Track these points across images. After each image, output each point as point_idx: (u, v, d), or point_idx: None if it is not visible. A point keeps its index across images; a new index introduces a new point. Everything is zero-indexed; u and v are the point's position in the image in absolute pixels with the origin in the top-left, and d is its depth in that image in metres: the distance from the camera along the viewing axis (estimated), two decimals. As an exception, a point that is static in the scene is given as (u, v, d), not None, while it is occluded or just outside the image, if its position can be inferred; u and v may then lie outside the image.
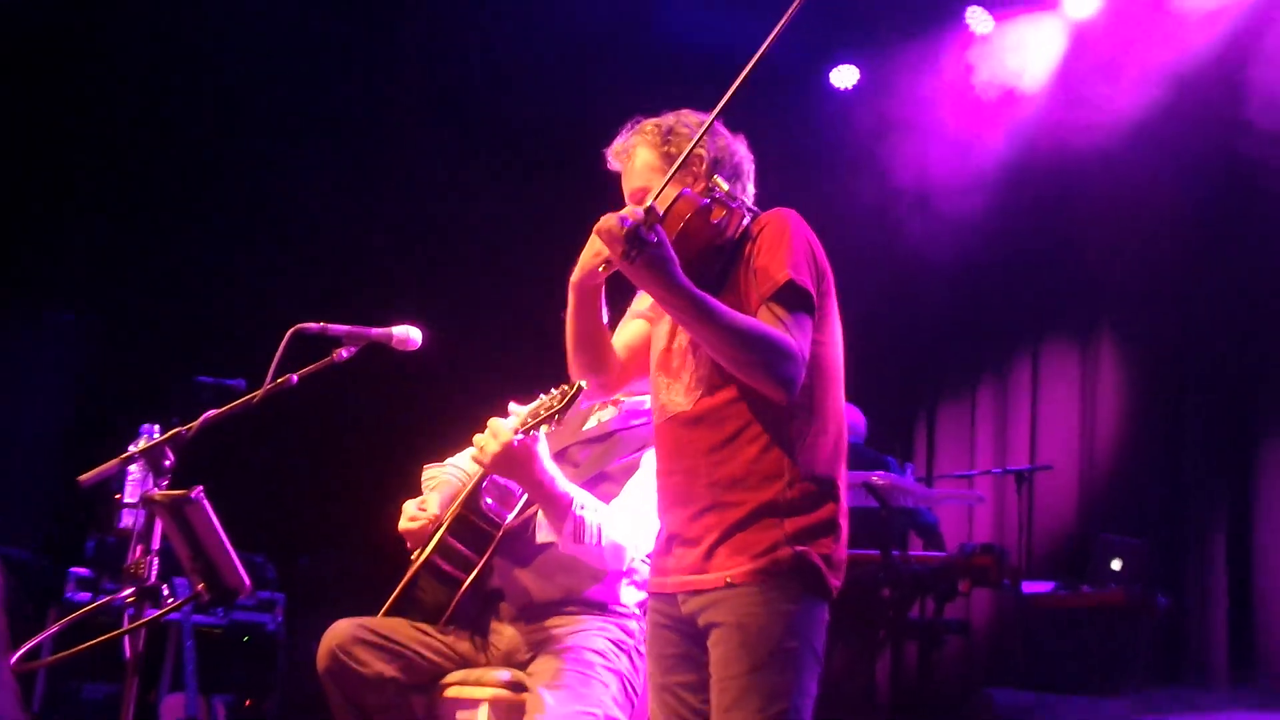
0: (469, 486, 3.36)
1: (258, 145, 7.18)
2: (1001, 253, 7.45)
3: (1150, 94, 6.47)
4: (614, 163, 2.86)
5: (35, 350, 6.93)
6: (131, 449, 2.93)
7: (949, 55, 7.11)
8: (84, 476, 2.87)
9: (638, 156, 2.79)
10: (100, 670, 5.31)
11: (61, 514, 6.20)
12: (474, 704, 3.24)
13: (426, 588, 3.30)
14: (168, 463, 2.87)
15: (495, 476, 3.27)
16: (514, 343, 6.89)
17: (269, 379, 2.98)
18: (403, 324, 3.24)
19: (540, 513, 3.19)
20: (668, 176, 2.57)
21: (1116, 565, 6.00)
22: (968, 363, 7.87)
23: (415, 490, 3.57)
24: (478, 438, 3.11)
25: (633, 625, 3.29)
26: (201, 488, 2.76)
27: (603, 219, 2.45)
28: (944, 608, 6.20)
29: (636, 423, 3.39)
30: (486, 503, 3.31)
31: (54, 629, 3.00)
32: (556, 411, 2.94)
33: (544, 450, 3.08)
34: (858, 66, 7.56)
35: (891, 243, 7.31)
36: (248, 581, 2.78)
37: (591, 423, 3.48)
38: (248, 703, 5.84)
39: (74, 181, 6.99)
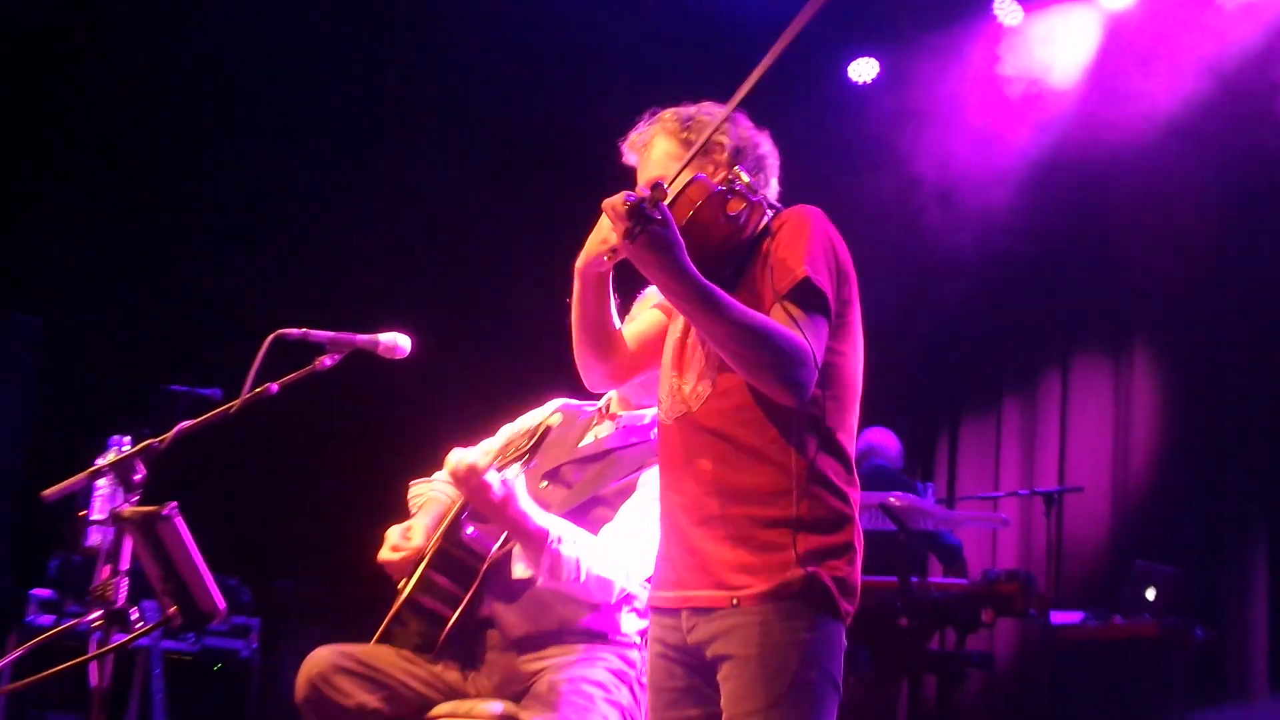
0: (449, 517, 3.35)
1: (237, 145, 7.21)
2: (1029, 258, 7.46)
3: (1188, 91, 6.48)
4: (630, 154, 2.86)
5: (-1, 354, 6.94)
6: (100, 462, 2.92)
7: (975, 48, 7.12)
8: (48, 491, 2.86)
9: (656, 146, 2.80)
10: (64, 699, 5.31)
11: (23, 531, 6.20)
12: (463, 738, 3.23)
13: (411, 624, 3.29)
14: (138, 477, 2.86)
15: None
16: (507, 352, 6.91)
17: (247, 388, 2.98)
18: (390, 330, 3.23)
19: (517, 546, 3.18)
20: (685, 160, 2.58)
21: (1150, 595, 5.99)
22: (992, 375, 7.88)
23: (401, 508, 3.57)
24: (449, 464, 3.11)
25: (634, 655, 3.28)
26: (175, 504, 2.76)
27: (610, 197, 2.47)
28: (966, 639, 6.20)
29: (635, 440, 3.38)
30: (468, 533, 3.30)
31: (15, 655, 2.99)
32: (525, 453, 2.92)
33: (519, 487, 3.08)
34: (877, 59, 7.57)
35: (911, 247, 7.32)
36: (222, 605, 2.78)
37: (588, 439, 3.47)
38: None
39: (43, 179, 7.01)
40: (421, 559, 3.32)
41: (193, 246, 7.23)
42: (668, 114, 2.82)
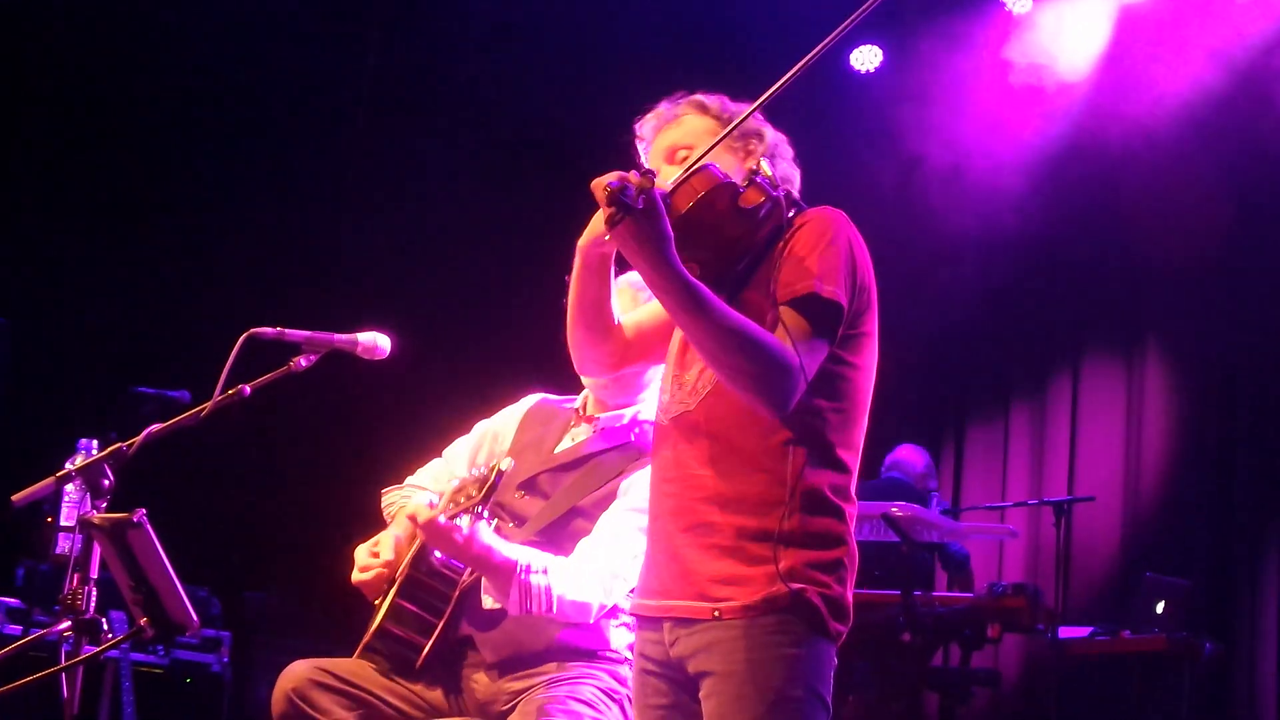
0: (416, 544, 3.32)
1: (207, 143, 7.24)
2: (1038, 257, 7.50)
3: (1202, 84, 6.52)
4: (646, 129, 2.83)
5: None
6: (68, 466, 2.92)
7: (983, 37, 7.14)
8: (17, 496, 2.87)
9: (686, 122, 2.78)
10: (31, 712, 5.32)
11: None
12: (445, 757, 3.25)
13: (385, 650, 3.29)
14: (107, 482, 2.86)
15: None
16: (485, 354, 6.93)
17: (219, 389, 2.96)
18: (369, 330, 3.22)
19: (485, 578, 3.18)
20: (719, 138, 2.58)
21: (1160, 608, 6.03)
22: (1000, 380, 7.91)
23: (377, 517, 3.58)
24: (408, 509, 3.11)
25: (624, 671, 3.27)
26: (144, 510, 2.78)
27: (601, 176, 2.44)
28: (971, 655, 6.24)
29: (614, 444, 3.36)
30: (437, 558, 3.28)
31: (-20, 665, 2.99)
32: (477, 503, 2.90)
33: (480, 528, 3.05)
34: (880, 47, 7.60)
35: (916, 245, 7.33)
36: (195, 617, 2.81)
37: (564, 443, 3.45)
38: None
39: (8, 179, 7.03)
40: (394, 574, 3.32)
41: (161, 245, 7.25)
42: (698, 96, 2.81)
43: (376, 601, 3.37)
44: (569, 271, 2.79)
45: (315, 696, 3.22)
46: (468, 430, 3.64)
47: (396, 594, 3.28)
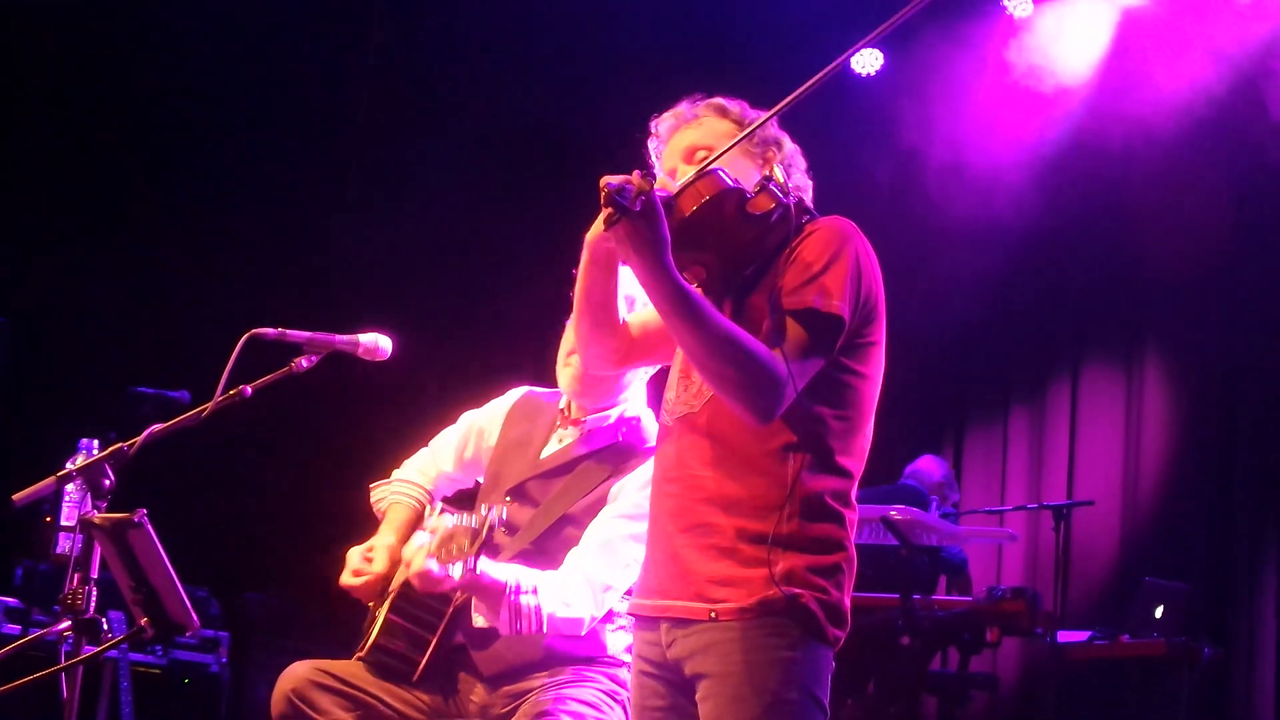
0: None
1: (207, 142, 7.25)
2: (1038, 261, 7.51)
3: (1202, 88, 6.52)
4: (663, 126, 2.83)
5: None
6: (69, 465, 2.93)
7: (984, 40, 7.14)
8: (18, 496, 2.87)
9: (707, 123, 2.78)
10: (30, 712, 5.32)
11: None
12: (444, 760, 3.26)
13: (382, 662, 3.31)
14: (108, 483, 2.86)
15: None
16: (488, 356, 6.94)
17: (220, 390, 2.96)
18: (369, 331, 3.23)
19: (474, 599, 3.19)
20: (735, 140, 2.60)
21: (1159, 613, 6.04)
22: (1000, 384, 7.92)
23: (376, 520, 3.58)
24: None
25: (623, 674, 3.29)
26: (145, 510, 2.79)
27: (609, 175, 2.46)
28: (969, 659, 6.25)
29: (603, 444, 3.37)
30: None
31: (-19, 665, 2.99)
32: (470, 556, 2.85)
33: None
34: (881, 50, 7.61)
35: (916, 248, 7.33)
36: (195, 617, 2.82)
37: (551, 446, 3.45)
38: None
39: (8, 176, 7.03)
40: (386, 581, 3.32)
41: (161, 245, 7.25)
42: (718, 100, 2.81)
43: (371, 605, 3.38)
44: (577, 265, 2.79)
45: (315, 697, 3.24)
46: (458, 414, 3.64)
47: (390, 610, 3.29)
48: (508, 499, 3.38)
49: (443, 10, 7.48)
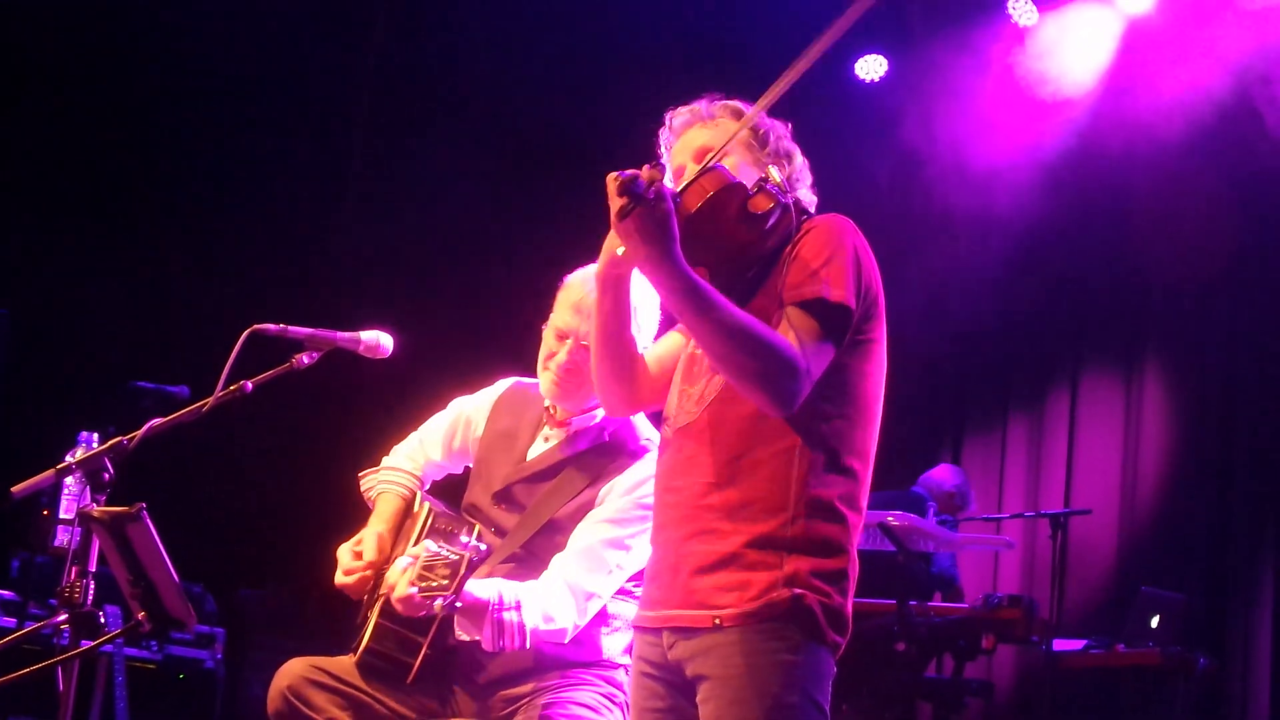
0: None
1: (206, 137, 7.25)
2: (1038, 269, 7.52)
3: (1205, 98, 6.54)
4: (677, 121, 2.82)
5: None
6: (69, 459, 2.93)
7: (988, 48, 7.16)
8: (17, 488, 2.87)
9: (721, 125, 2.77)
10: (26, 705, 5.33)
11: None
12: (439, 760, 3.25)
13: (375, 666, 3.30)
14: (107, 476, 2.87)
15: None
16: (488, 356, 6.92)
17: (221, 385, 2.97)
18: (371, 329, 3.23)
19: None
20: (732, 134, 2.61)
21: (1155, 622, 6.04)
22: (998, 392, 7.93)
23: (368, 513, 3.58)
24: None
25: (621, 677, 3.29)
26: (144, 504, 2.79)
27: (617, 171, 2.46)
28: (965, 666, 6.25)
29: (589, 444, 3.37)
30: None
31: (-24, 657, 3.00)
32: (450, 591, 2.83)
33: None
34: (885, 56, 7.62)
35: (914, 255, 7.35)
36: (193, 613, 2.82)
37: (536, 448, 3.44)
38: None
39: (7, 170, 7.04)
40: (380, 573, 3.31)
41: (162, 240, 7.26)
42: (738, 101, 2.80)
43: (364, 599, 3.37)
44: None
45: (311, 695, 3.24)
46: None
47: (380, 615, 3.28)
48: (495, 503, 3.38)
49: (443, 10, 7.49)
